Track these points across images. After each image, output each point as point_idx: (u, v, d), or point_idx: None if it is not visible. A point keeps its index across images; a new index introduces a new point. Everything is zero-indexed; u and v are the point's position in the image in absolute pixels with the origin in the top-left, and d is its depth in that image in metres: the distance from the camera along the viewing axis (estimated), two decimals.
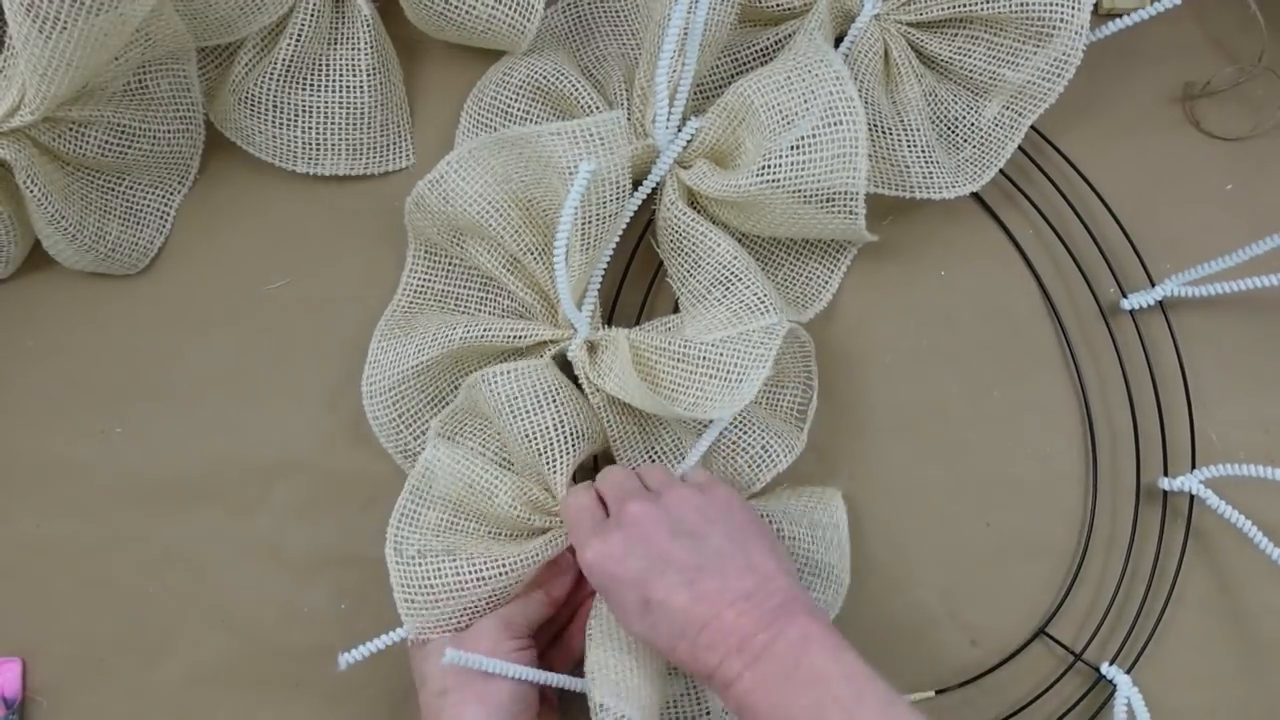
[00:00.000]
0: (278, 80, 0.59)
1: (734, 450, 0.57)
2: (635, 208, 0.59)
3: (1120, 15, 0.62)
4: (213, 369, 0.61)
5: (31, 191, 0.54)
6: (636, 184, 0.59)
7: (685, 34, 0.54)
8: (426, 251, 0.61)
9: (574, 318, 0.56)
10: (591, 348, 0.57)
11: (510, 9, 0.56)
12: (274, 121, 0.60)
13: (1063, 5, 0.58)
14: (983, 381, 0.63)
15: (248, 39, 0.58)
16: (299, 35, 0.57)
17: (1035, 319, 0.64)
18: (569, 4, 0.62)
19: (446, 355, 0.57)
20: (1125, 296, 0.63)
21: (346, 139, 0.60)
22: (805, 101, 0.54)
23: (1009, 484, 0.63)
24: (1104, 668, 0.61)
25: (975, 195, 0.63)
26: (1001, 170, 0.62)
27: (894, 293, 0.63)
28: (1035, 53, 0.59)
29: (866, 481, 0.62)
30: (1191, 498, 0.62)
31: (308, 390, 0.61)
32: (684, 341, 0.55)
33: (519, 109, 0.60)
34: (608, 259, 0.59)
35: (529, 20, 0.57)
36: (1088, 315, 0.64)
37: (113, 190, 0.59)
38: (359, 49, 0.59)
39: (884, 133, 0.59)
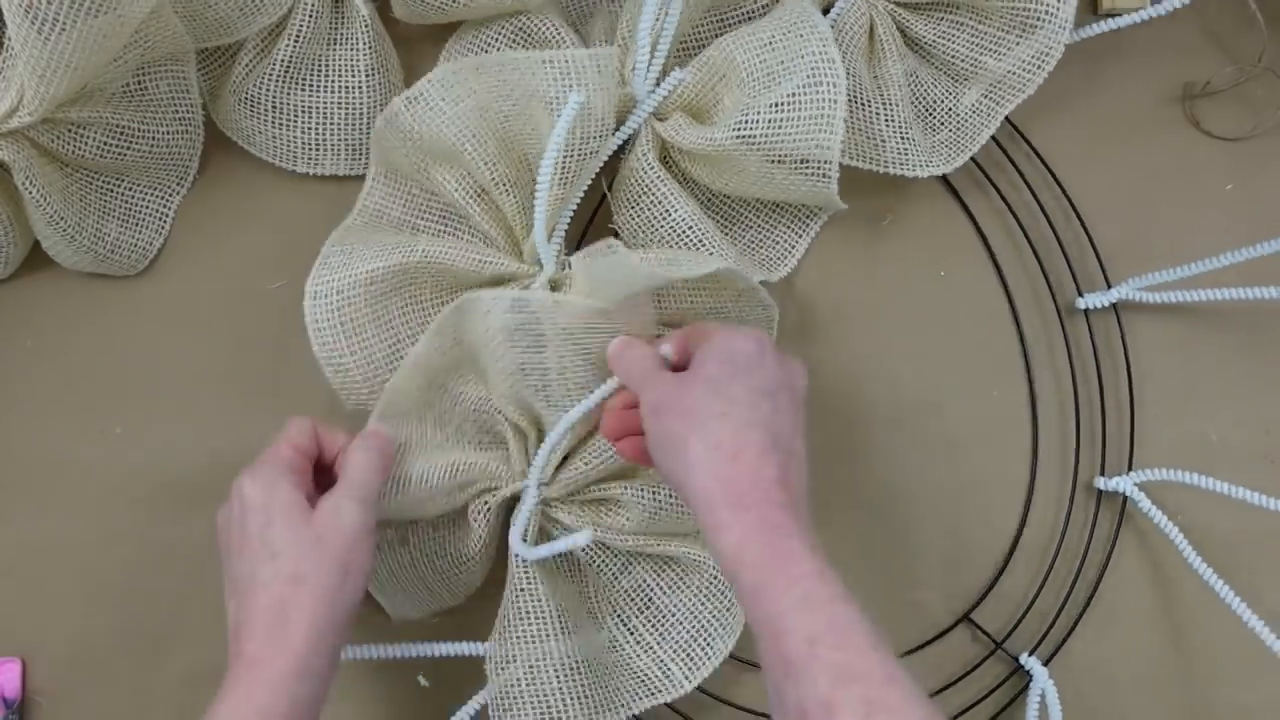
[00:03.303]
0: (277, 80, 0.60)
1: None
2: (612, 150, 0.59)
3: (1120, 15, 0.64)
4: (213, 369, 0.61)
5: (30, 193, 0.55)
6: (615, 130, 0.59)
7: None
8: (387, 174, 0.61)
9: (543, 251, 0.56)
10: (554, 285, 0.57)
11: None
12: (274, 122, 0.60)
13: None
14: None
15: (248, 40, 0.59)
16: (298, 36, 0.58)
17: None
18: None
19: (404, 268, 0.56)
20: (1081, 296, 0.64)
21: (346, 139, 0.61)
22: (789, 62, 0.55)
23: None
24: (1023, 658, 0.62)
25: (948, 186, 0.65)
26: (975, 162, 0.64)
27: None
28: (1018, 43, 0.61)
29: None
30: (1125, 499, 0.63)
31: (307, 390, 0.60)
32: (642, 254, 0.56)
33: (498, 47, 0.60)
34: (579, 200, 0.59)
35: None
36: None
37: (111, 191, 0.60)
38: (358, 49, 0.60)
39: (862, 105, 0.60)
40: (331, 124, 0.61)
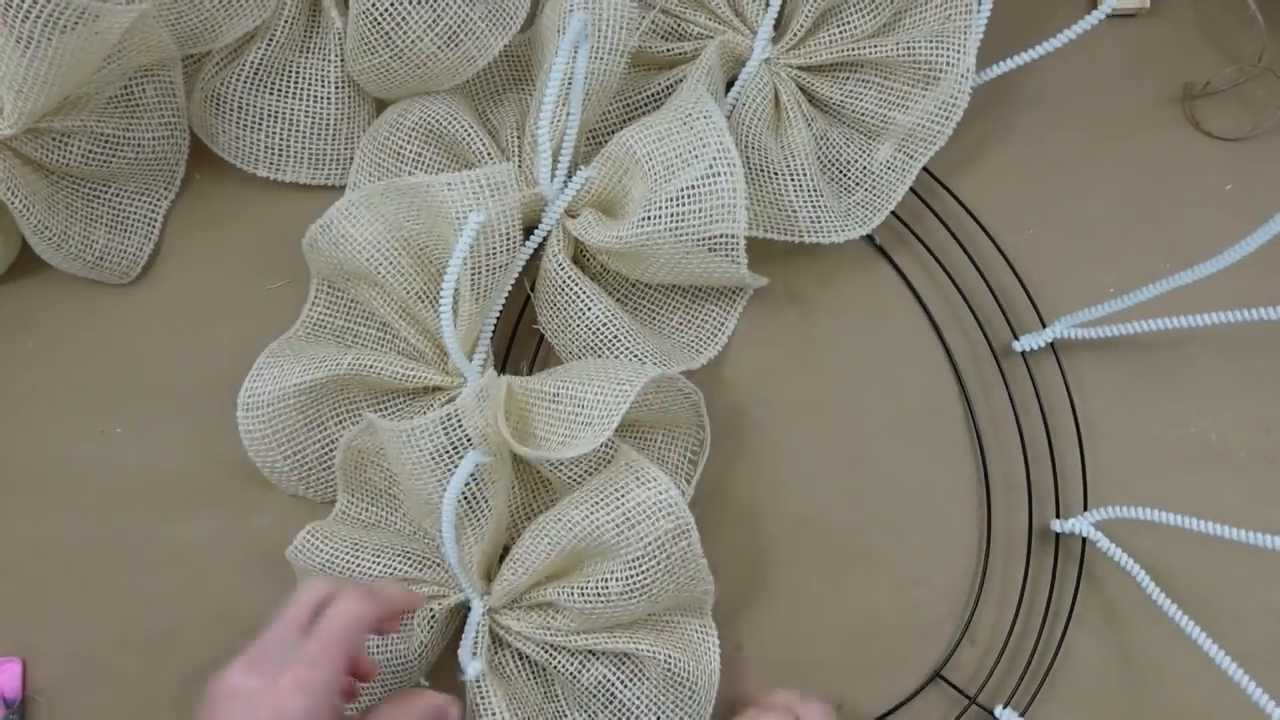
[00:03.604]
0: (245, 82, 0.60)
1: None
2: (527, 257, 0.60)
3: (1121, 15, 0.65)
4: (213, 369, 0.62)
5: (13, 202, 0.56)
6: (530, 230, 0.60)
7: (569, 85, 0.56)
8: (329, 287, 0.62)
9: (462, 366, 0.57)
10: (481, 398, 0.57)
11: (453, 54, 0.58)
12: (238, 122, 0.61)
13: (948, 49, 0.60)
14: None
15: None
16: (271, 40, 0.59)
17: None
18: None
19: (332, 380, 0.58)
20: (1017, 339, 0.63)
21: (309, 148, 0.62)
22: (685, 153, 0.56)
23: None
24: (998, 710, 0.62)
25: (870, 239, 0.65)
26: (896, 214, 0.64)
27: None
28: (923, 95, 0.61)
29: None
30: (1084, 542, 0.62)
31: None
32: (555, 382, 0.56)
33: (411, 151, 0.61)
34: (499, 308, 0.60)
35: (466, 69, 0.59)
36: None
37: (98, 198, 0.61)
38: (329, 60, 0.60)
39: (771, 176, 0.60)
40: (296, 131, 0.61)
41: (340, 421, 0.60)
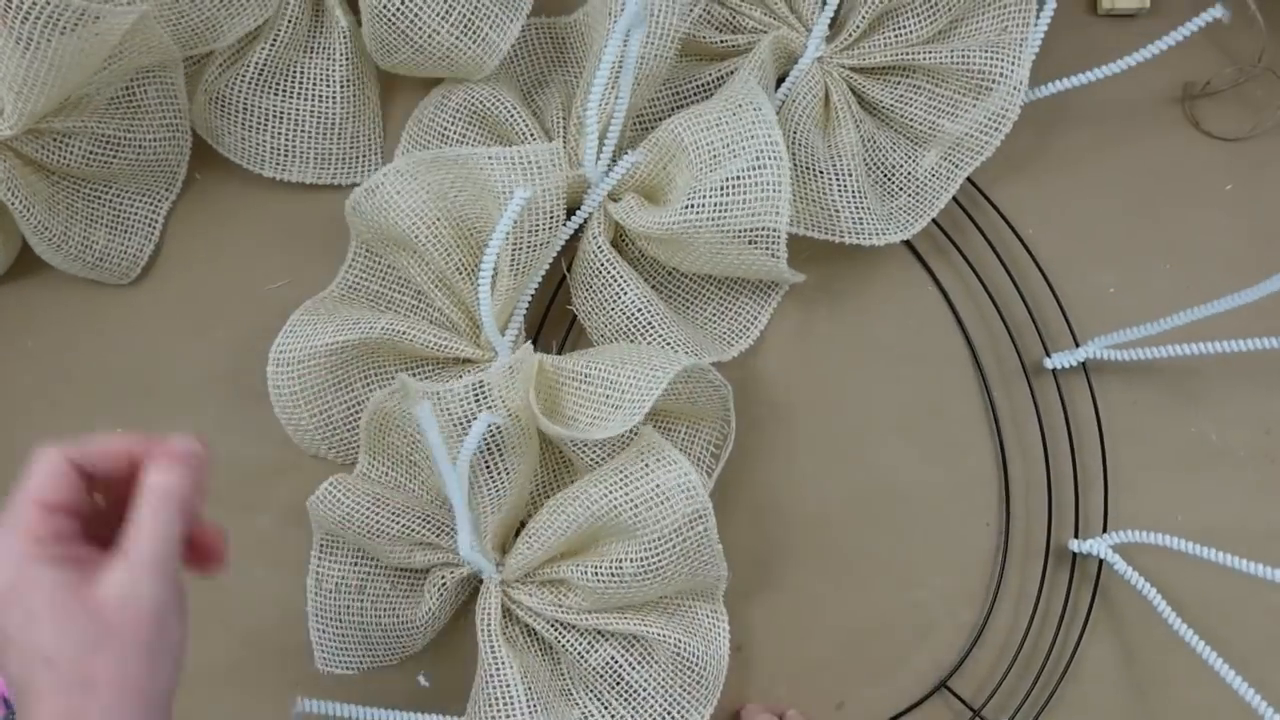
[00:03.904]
0: (250, 83, 0.60)
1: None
2: (566, 238, 0.61)
3: (1120, 15, 0.65)
4: (213, 369, 0.62)
5: (13, 204, 0.56)
6: (571, 211, 0.60)
7: (619, 68, 0.56)
8: (367, 251, 0.62)
9: (495, 341, 0.57)
10: (513, 372, 0.58)
11: (473, 43, 0.58)
12: (243, 124, 0.61)
13: (1002, 60, 0.60)
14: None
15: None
16: (274, 40, 0.59)
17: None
18: None
19: (363, 342, 0.58)
20: (1049, 356, 0.63)
21: (315, 147, 0.62)
22: (733, 143, 0.56)
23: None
24: None
25: (909, 245, 0.65)
26: (937, 223, 0.64)
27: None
28: (974, 106, 0.61)
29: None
30: (1100, 562, 0.62)
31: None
32: (588, 362, 0.57)
33: (455, 132, 0.62)
34: (535, 286, 0.61)
35: (491, 56, 0.59)
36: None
37: (99, 199, 0.61)
38: (334, 59, 0.60)
39: (816, 175, 0.60)
40: (302, 131, 0.61)
41: (368, 384, 0.61)
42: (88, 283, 0.63)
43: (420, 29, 0.56)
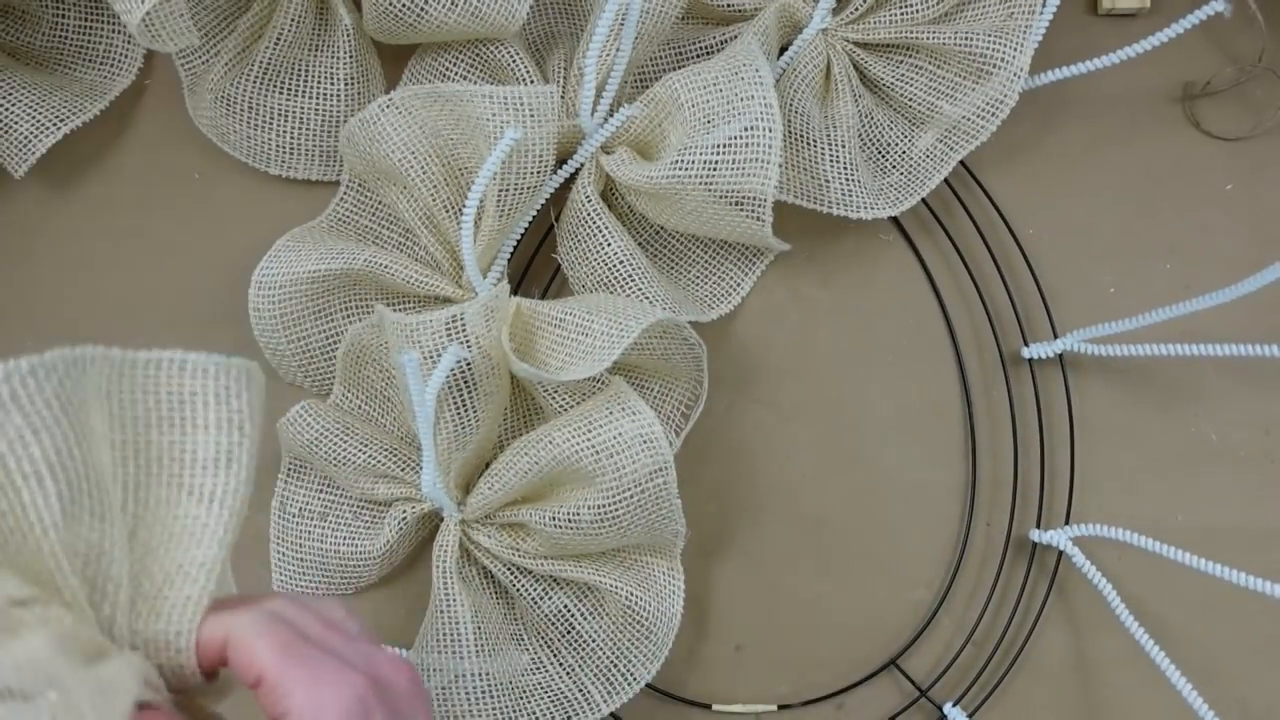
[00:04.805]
0: (254, 82, 0.61)
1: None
2: (556, 186, 0.61)
3: (1120, 15, 0.65)
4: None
5: None
6: (562, 162, 0.61)
7: (622, 20, 0.56)
8: (359, 185, 0.63)
9: (475, 280, 0.58)
10: (489, 310, 0.58)
11: (483, 26, 0.58)
12: (249, 122, 0.62)
13: (1005, 46, 0.60)
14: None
15: (229, 39, 0.60)
16: (278, 39, 0.60)
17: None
18: None
19: (346, 273, 0.59)
20: (1027, 345, 0.64)
21: (321, 145, 0.63)
22: (729, 105, 0.56)
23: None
24: (946, 708, 0.62)
25: (898, 227, 0.65)
26: (927, 204, 0.64)
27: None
28: (973, 89, 0.61)
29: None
30: (1060, 555, 0.63)
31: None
32: (563, 308, 0.57)
33: (457, 74, 0.62)
34: (522, 230, 0.61)
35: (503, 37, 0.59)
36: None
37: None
38: (338, 57, 0.61)
39: (809, 144, 0.61)
40: (307, 129, 0.62)
41: (348, 315, 0.61)
42: (88, 282, 0.63)
43: (429, 21, 0.57)
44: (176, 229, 0.62)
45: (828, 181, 0.60)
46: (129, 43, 0.63)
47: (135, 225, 0.64)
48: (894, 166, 0.62)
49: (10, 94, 0.59)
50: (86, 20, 0.62)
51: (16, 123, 0.59)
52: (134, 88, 0.63)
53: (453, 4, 0.57)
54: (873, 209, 0.61)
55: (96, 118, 0.61)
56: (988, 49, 0.60)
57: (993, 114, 0.60)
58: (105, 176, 0.64)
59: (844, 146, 0.60)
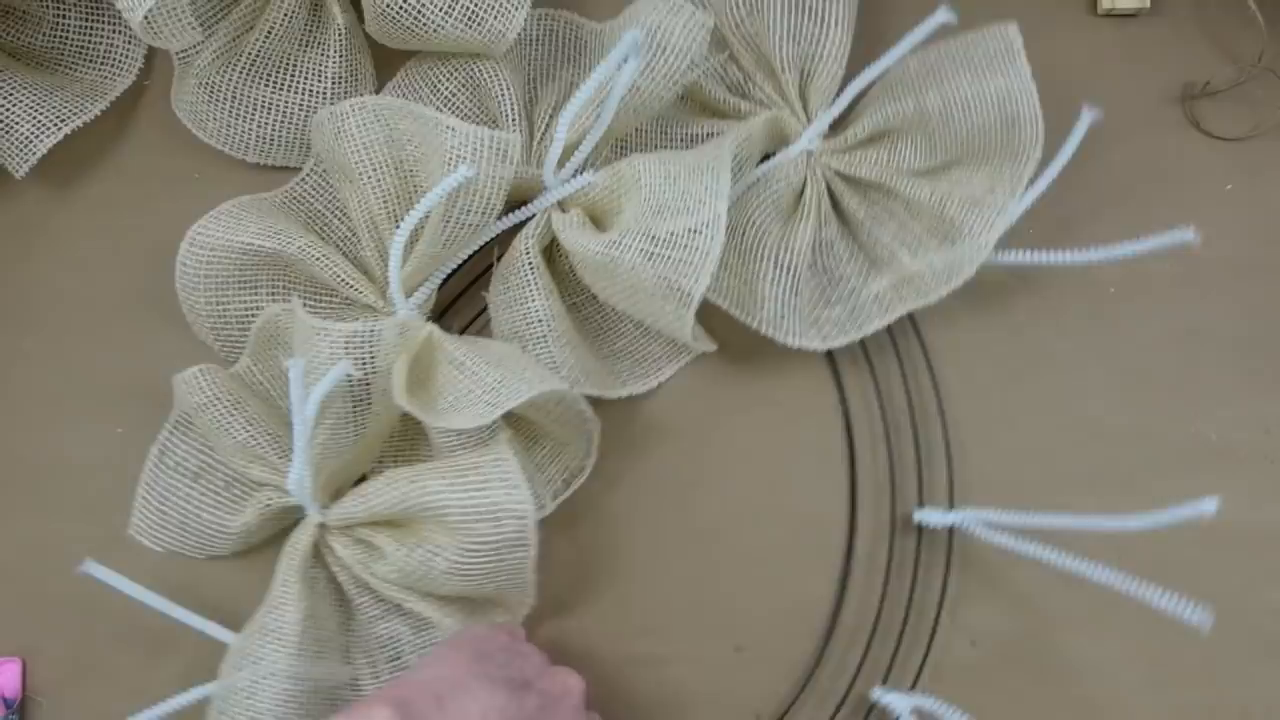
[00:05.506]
0: (241, 72, 0.61)
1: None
2: (504, 229, 0.61)
3: (1120, 15, 0.65)
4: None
5: None
6: (519, 206, 0.61)
7: (607, 91, 0.56)
8: (323, 170, 0.63)
9: (397, 298, 0.58)
10: (399, 331, 0.58)
11: (479, 33, 0.58)
12: (230, 111, 0.62)
13: (976, 218, 0.60)
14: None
15: (219, 30, 0.60)
16: (270, 32, 0.60)
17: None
18: (544, 14, 0.64)
19: (279, 254, 0.59)
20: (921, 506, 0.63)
21: (302, 138, 0.63)
22: (681, 201, 0.56)
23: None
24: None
25: (829, 360, 0.65)
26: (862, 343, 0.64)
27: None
28: (937, 249, 0.61)
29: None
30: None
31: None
32: (468, 351, 0.57)
33: (446, 89, 0.62)
34: (462, 260, 0.61)
35: (498, 45, 0.59)
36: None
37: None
38: (328, 55, 0.61)
39: (756, 259, 0.60)
40: (290, 122, 0.62)
41: (272, 294, 0.61)
42: (88, 283, 0.63)
43: (425, 24, 0.57)
44: (176, 229, 0.61)
45: (763, 300, 0.60)
46: (130, 43, 0.63)
47: (135, 225, 0.64)
48: (839, 300, 0.62)
49: (11, 94, 0.60)
50: (87, 20, 0.63)
51: (17, 123, 0.60)
52: (134, 88, 0.64)
53: (450, 9, 0.57)
54: (801, 338, 0.60)
55: (96, 118, 0.62)
56: (960, 217, 0.59)
57: (947, 280, 0.60)
58: (105, 176, 0.64)
59: (790, 271, 0.60)
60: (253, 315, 0.61)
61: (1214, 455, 0.64)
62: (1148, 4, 0.65)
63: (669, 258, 0.55)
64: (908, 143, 0.61)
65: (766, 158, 0.62)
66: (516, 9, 0.58)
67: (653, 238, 0.55)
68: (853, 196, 0.61)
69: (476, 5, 0.57)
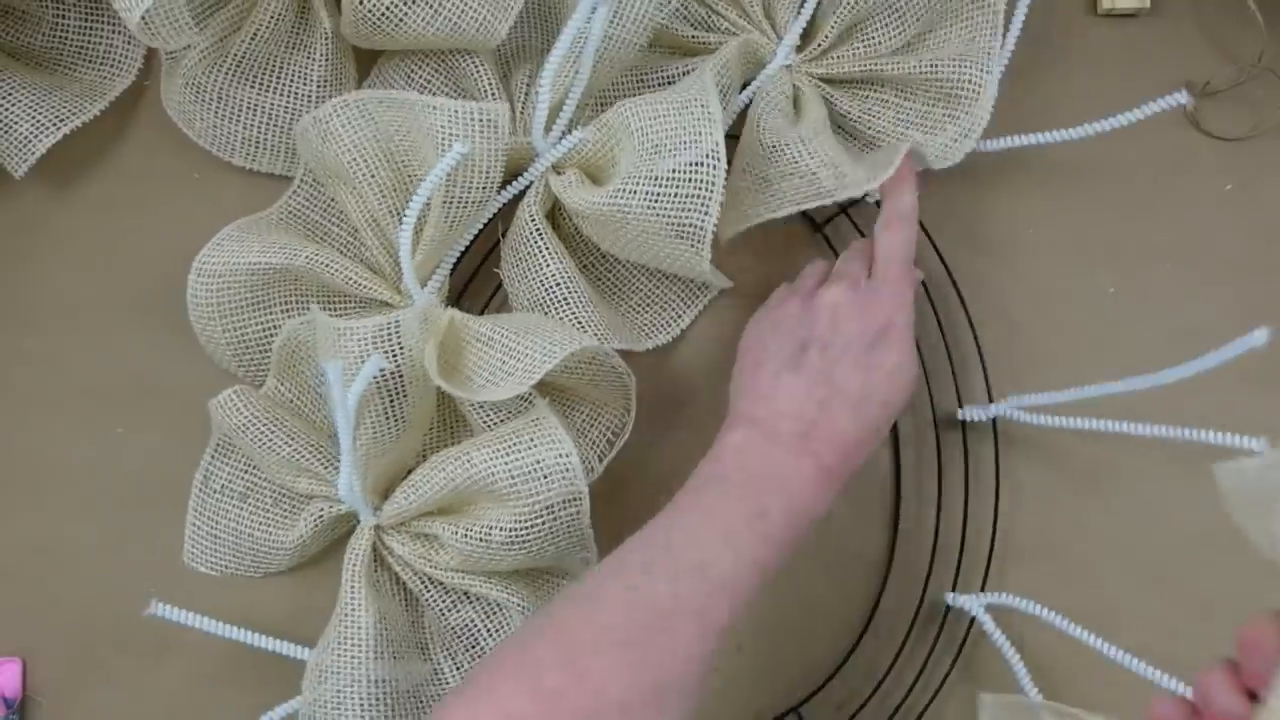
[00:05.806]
0: (227, 73, 0.61)
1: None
2: (504, 202, 0.61)
3: (1120, 15, 0.65)
4: (213, 369, 0.62)
5: None
6: (514, 178, 0.61)
7: (582, 45, 0.56)
8: (313, 180, 0.63)
9: (413, 288, 0.58)
10: (422, 321, 0.58)
11: (459, 41, 0.58)
12: (216, 112, 0.62)
13: (970, 68, 0.60)
14: None
15: (207, 28, 0.60)
16: (255, 34, 0.60)
17: None
18: None
19: (287, 268, 0.59)
20: (962, 407, 0.63)
21: (287, 141, 0.63)
22: (675, 137, 0.56)
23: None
24: None
25: None
26: None
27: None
28: (943, 115, 0.61)
29: None
30: (971, 621, 0.63)
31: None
32: (493, 326, 0.57)
33: (421, 76, 0.62)
34: (468, 242, 0.61)
35: (478, 50, 0.59)
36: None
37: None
38: (314, 59, 0.61)
39: (783, 149, 0.59)
40: (276, 125, 0.62)
41: (286, 310, 0.61)
42: (88, 283, 0.63)
43: (406, 31, 0.57)
44: (176, 229, 0.62)
45: (815, 174, 0.58)
46: (129, 43, 0.63)
47: (135, 225, 0.64)
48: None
49: (10, 94, 0.60)
50: (86, 20, 0.62)
51: (16, 123, 0.60)
52: (134, 88, 0.64)
53: (432, 17, 0.57)
54: (869, 182, 0.57)
55: (96, 118, 0.62)
56: (954, 74, 0.60)
57: (959, 145, 0.61)
58: (105, 176, 0.64)
59: (818, 138, 0.58)
60: (271, 335, 0.61)
61: (1214, 455, 0.62)
62: (1148, 4, 0.65)
63: (675, 194, 0.55)
64: (878, 26, 0.60)
65: (745, 86, 0.62)
66: (499, 21, 0.58)
67: (655, 178, 0.55)
68: (844, 97, 0.61)
69: (459, 17, 0.57)
